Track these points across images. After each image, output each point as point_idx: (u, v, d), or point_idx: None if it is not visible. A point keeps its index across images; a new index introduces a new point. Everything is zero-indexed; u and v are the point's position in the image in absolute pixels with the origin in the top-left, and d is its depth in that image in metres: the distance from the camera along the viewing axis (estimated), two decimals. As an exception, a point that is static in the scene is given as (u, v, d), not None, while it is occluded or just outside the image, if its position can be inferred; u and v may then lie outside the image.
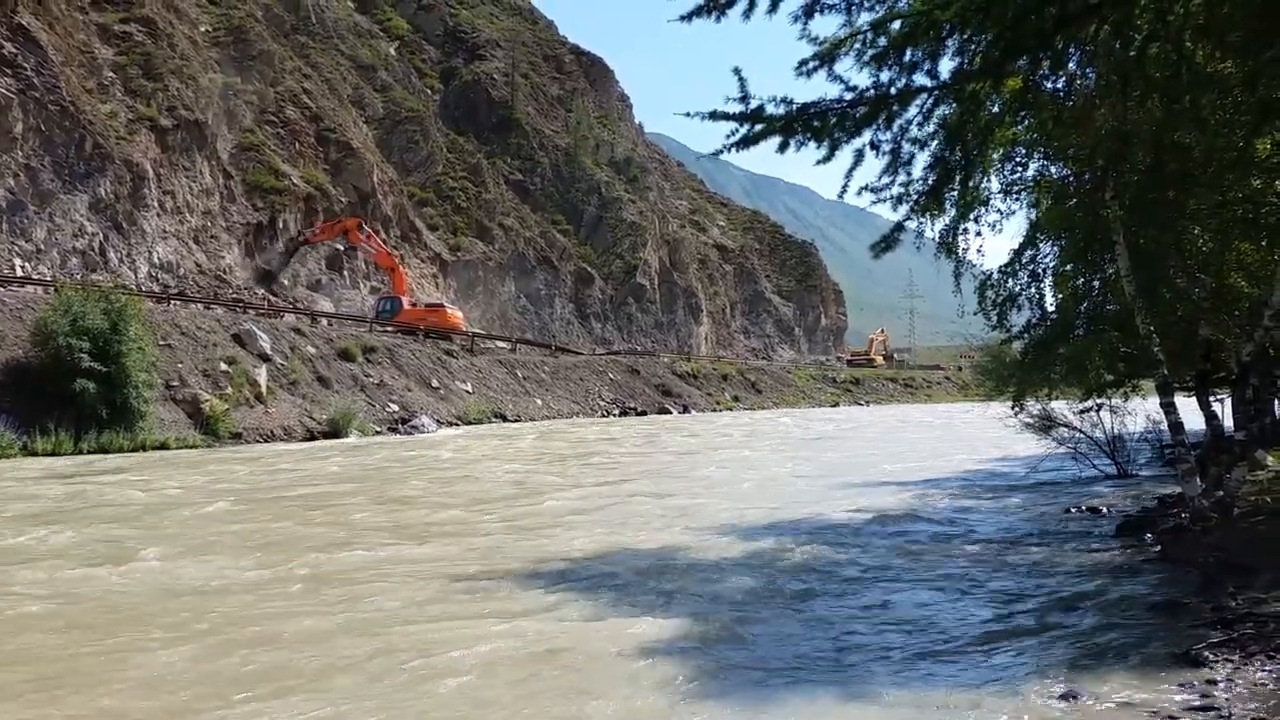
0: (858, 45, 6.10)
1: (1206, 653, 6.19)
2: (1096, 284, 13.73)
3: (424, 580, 9.10)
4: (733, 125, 6.11)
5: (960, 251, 12.26)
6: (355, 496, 15.44)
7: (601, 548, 10.93)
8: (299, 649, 6.87)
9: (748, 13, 6.04)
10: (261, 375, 29.17)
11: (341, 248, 51.48)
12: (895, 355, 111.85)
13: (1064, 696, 5.74)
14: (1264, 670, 5.77)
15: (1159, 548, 10.27)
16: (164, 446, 23.22)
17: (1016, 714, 5.55)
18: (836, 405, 66.52)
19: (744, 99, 6.00)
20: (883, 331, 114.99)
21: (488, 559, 10.20)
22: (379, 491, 16.25)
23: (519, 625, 7.45)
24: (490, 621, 7.56)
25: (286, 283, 48.31)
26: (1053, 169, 12.83)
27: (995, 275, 13.49)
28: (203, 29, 51.82)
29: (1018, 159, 12.41)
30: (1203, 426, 15.05)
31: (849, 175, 6.89)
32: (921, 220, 8.84)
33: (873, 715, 5.64)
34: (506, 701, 5.87)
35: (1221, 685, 5.63)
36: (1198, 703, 5.42)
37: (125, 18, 44.83)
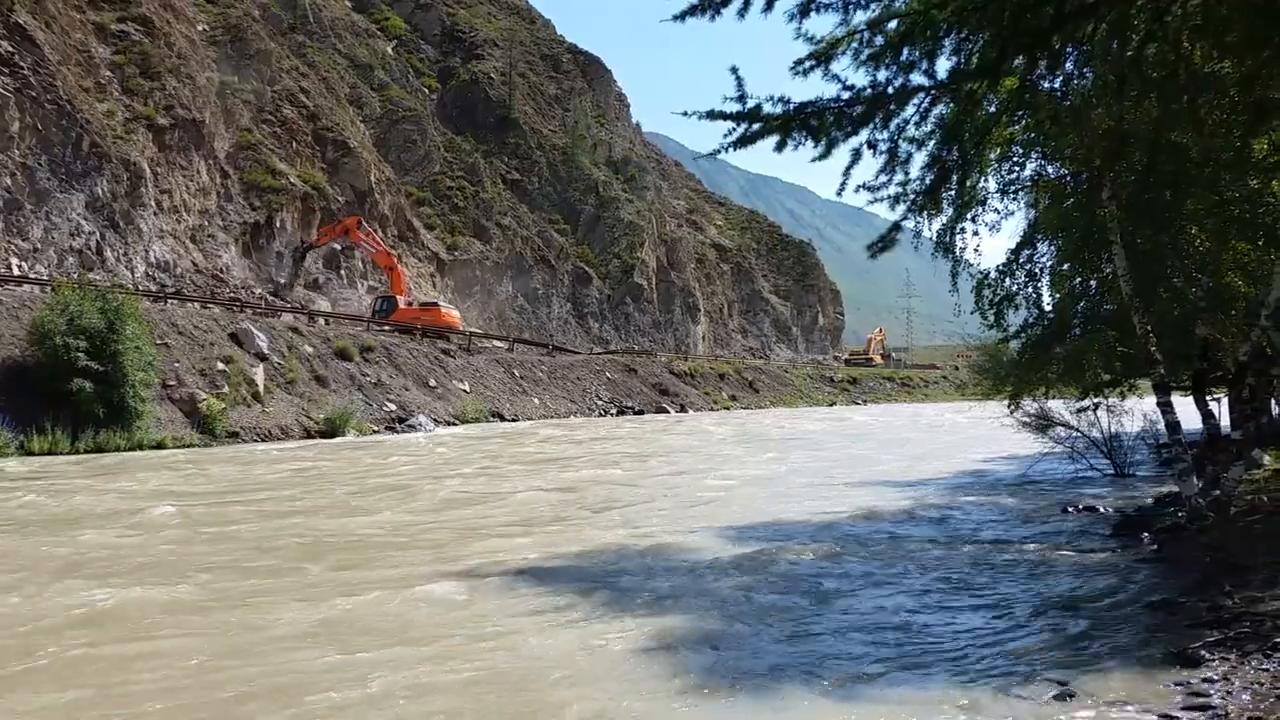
0: (854, 44, 6.09)
1: (1203, 652, 6.19)
2: (1094, 284, 13.76)
3: (310, 603, 8.02)
4: (730, 124, 6.09)
5: (958, 251, 12.30)
6: (292, 502, 14.43)
7: (528, 560, 10.00)
8: (141, 689, 5.96)
9: (742, 11, 6.02)
10: (259, 374, 29.14)
11: (339, 247, 51.43)
12: (893, 355, 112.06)
13: (1060, 696, 5.74)
14: (1260, 669, 5.76)
15: (1156, 547, 10.28)
16: (160, 446, 23.17)
17: (1012, 713, 5.55)
18: (834, 405, 66.51)
19: (741, 98, 5.98)
20: (881, 331, 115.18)
21: (390, 577, 9.14)
22: (316, 498, 15.05)
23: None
24: (370, 654, 6.72)
25: (283, 281, 48.25)
26: (1050, 169, 12.86)
27: (992, 275, 13.51)
28: (200, 28, 51.75)
29: (1015, 159, 12.45)
30: (1200, 426, 15.06)
31: (846, 174, 6.89)
32: (919, 220, 8.85)
33: (868, 715, 5.63)
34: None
35: (1218, 684, 5.62)
36: (1194, 702, 5.42)
37: (122, 16, 44.76)
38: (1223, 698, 5.40)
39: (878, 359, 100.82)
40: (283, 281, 47.70)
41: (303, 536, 11.57)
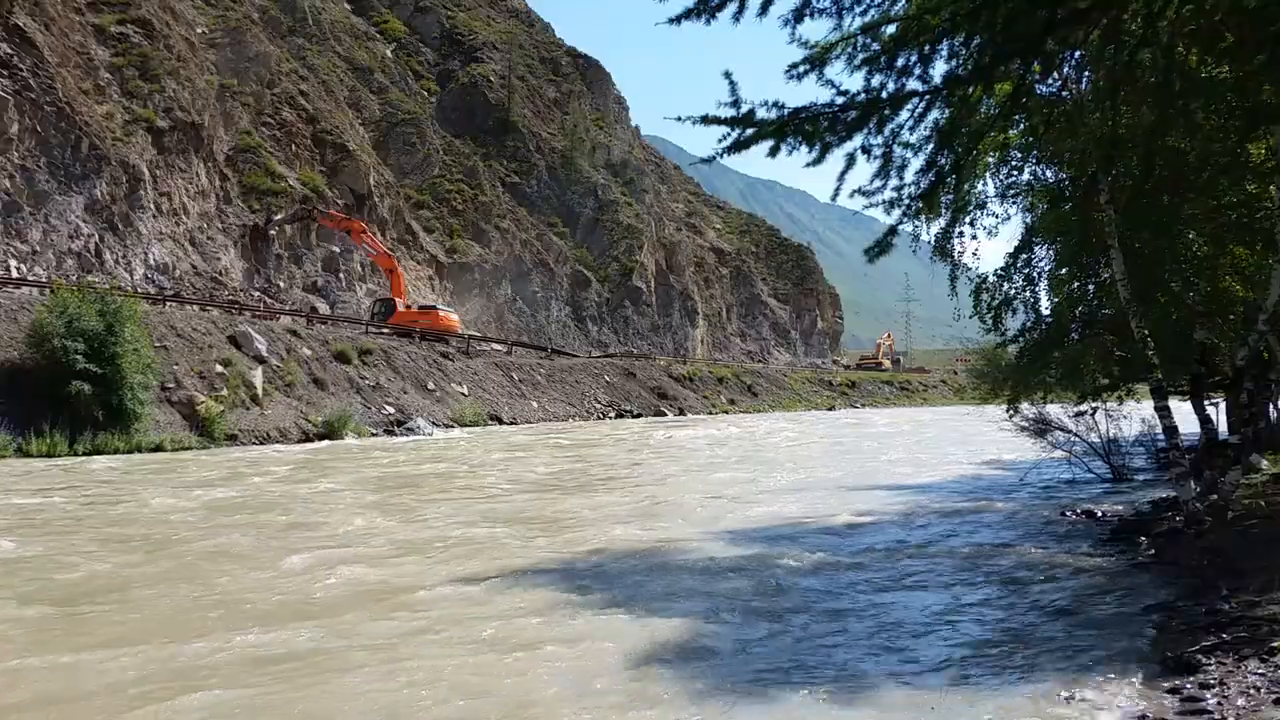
0: (849, 49, 6.09)
1: (1200, 656, 6.18)
2: (1091, 288, 13.77)
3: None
4: (724, 129, 6.09)
5: (956, 255, 12.32)
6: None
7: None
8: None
9: (738, 15, 6.02)
10: (257, 377, 29.12)
11: (337, 249, 51.40)
12: (900, 359, 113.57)
13: (1056, 700, 5.74)
14: (1257, 674, 5.75)
15: (1153, 551, 10.27)
16: (159, 448, 23.14)
17: (1008, 716, 5.55)
18: (832, 409, 66.49)
19: (735, 103, 5.98)
20: (889, 336, 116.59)
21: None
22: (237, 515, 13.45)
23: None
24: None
25: (283, 284, 48.23)
26: (1047, 173, 12.87)
27: (991, 279, 13.52)
28: (199, 30, 51.78)
29: (1013, 163, 12.46)
30: (1197, 430, 15.06)
31: (840, 179, 6.88)
32: (917, 223, 8.84)
33: (865, 717, 5.63)
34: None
35: (1214, 689, 5.62)
36: (1190, 706, 5.42)
37: (121, 19, 44.78)
38: (1219, 702, 5.39)
39: (887, 364, 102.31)
40: (268, 229, 47.57)
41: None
